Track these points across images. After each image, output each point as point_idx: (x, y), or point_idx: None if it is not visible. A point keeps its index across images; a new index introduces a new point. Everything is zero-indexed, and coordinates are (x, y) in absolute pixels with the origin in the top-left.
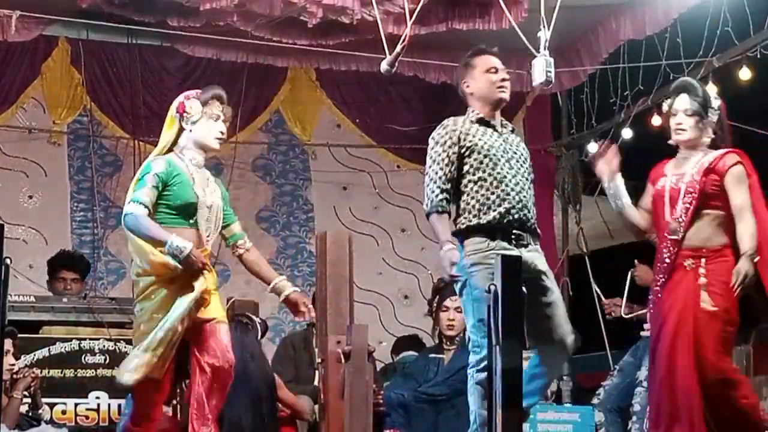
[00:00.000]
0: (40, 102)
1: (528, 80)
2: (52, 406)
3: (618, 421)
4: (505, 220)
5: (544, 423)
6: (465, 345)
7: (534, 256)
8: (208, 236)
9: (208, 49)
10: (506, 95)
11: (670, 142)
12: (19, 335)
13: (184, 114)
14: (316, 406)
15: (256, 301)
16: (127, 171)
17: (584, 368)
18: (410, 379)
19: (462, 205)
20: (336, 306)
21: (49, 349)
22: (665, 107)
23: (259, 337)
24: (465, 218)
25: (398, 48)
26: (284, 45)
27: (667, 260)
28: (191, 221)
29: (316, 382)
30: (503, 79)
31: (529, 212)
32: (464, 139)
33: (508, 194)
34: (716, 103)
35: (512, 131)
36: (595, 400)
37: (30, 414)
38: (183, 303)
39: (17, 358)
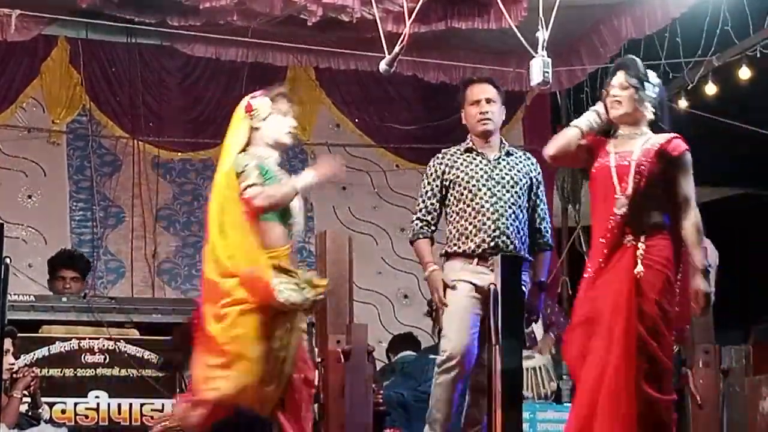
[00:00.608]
0: (39, 101)
1: (527, 79)
2: (51, 405)
3: None
4: (480, 249)
5: (543, 422)
6: None
7: None
8: (298, 232)
9: (207, 48)
10: (489, 127)
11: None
12: (19, 334)
13: (253, 113)
14: (316, 406)
15: None
16: (126, 170)
17: None
18: (409, 378)
19: (447, 233)
20: (336, 305)
21: (48, 349)
22: (605, 91)
23: None
24: (447, 246)
25: (397, 48)
26: (284, 44)
27: (609, 236)
28: (283, 219)
29: (316, 382)
30: (483, 112)
31: (508, 238)
32: (447, 173)
33: (485, 224)
34: (655, 80)
35: (508, 154)
36: None
37: (30, 413)
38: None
39: (17, 358)
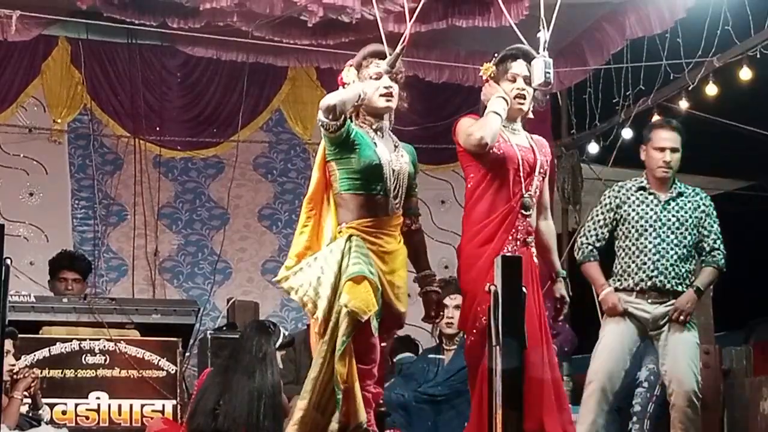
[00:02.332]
0: (40, 101)
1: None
2: (52, 406)
3: (617, 421)
4: (638, 287)
5: None
6: (464, 345)
7: (662, 311)
8: (396, 203)
9: (208, 49)
10: (668, 175)
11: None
12: (20, 335)
13: (344, 85)
14: None
15: (256, 302)
16: (128, 169)
17: (584, 368)
18: (410, 379)
19: (614, 267)
20: None
21: (49, 350)
22: (491, 68)
23: (278, 342)
24: (612, 279)
25: (398, 48)
26: (285, 45)
27: (517, 234)
28: (378, 187)
29: None
30: (666, 161)
31: (665, 278)
32: (621, 207)
33: (645, 263)
34: None
35: (679, 195)
36: None
37: (30, 414)
38: None
39: (17, 359)
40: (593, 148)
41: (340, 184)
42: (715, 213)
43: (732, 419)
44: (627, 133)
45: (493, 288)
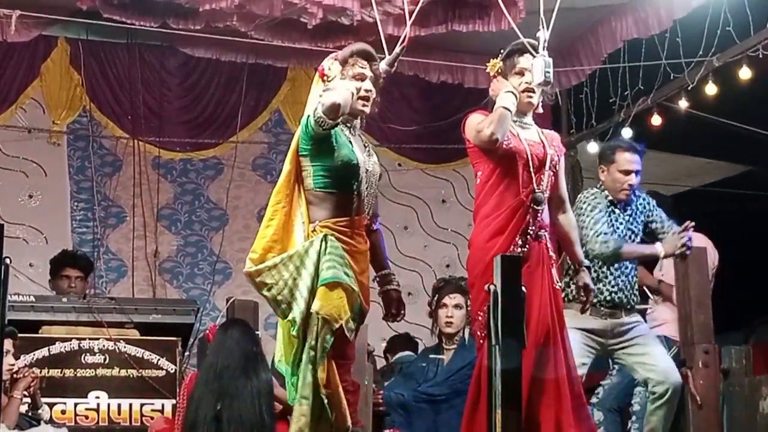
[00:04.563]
0: (39, 102)
1: None
2: (51, 405)
3: (617, 421)
4: (596, 300)
5: None
6: (465, 345)
7: (616, 322)
8: (367, 205)
9: (207, 49)
10: (630, 197)
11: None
12: (19, 335)
13: (324, 77)
14: None
15: (256, 302)
16: (127, 170)
17: None
18: (410, 379)
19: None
20: None
21: (48, 349)
22: (498, 64)
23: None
24: (570, 289)
25: (398, 48)
26: (285, 45)
27: (527, 228)
28: (352, 187)
29: None
30: (630, 184)
31: (624, 294)
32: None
33: (606, 276)
34: None
35: (629, 204)
36: (594, 400)
37: (30, 414)
38: None
39: (17, 358)
40: (593, 148)
41: (314, 181)
42: (655, 202)
43: (731, 419)
44: (627, 133)
45: (492, 288)
